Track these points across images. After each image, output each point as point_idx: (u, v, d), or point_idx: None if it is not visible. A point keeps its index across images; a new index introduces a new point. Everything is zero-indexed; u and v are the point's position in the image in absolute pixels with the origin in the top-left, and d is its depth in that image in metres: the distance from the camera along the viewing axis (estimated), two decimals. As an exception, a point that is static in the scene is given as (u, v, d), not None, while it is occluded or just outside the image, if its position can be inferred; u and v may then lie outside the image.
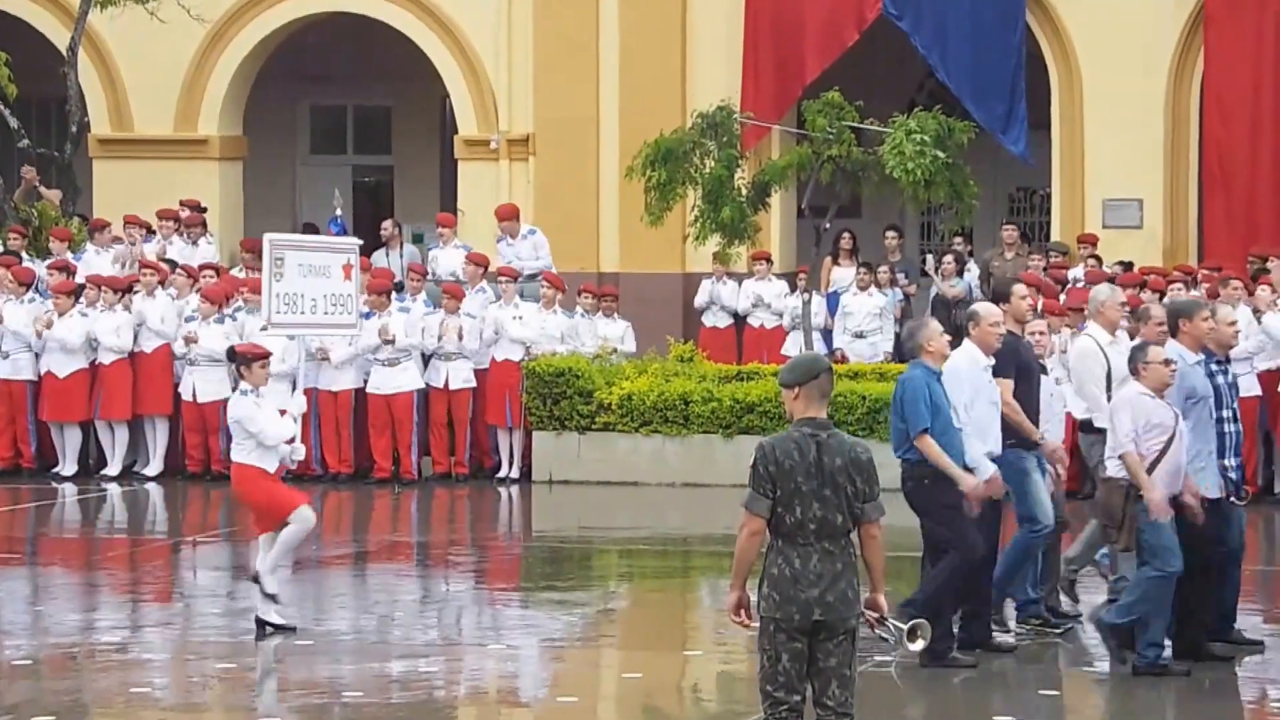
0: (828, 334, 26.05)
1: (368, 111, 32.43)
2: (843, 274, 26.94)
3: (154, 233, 26.41)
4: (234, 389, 16.50)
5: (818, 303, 25.69)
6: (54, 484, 23.79)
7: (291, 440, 15.67)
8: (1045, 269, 25.07)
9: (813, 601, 10.07)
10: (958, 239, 28.04)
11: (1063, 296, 23.45)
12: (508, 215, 25.83)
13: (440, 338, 23.76)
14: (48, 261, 25.43)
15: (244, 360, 15.66)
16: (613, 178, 28.16)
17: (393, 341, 23.51)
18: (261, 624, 15.65)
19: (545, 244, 25.65)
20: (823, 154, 24.16)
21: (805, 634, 10.11)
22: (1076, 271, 25.33)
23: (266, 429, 15.45)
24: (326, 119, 32.63)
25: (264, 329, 17.13)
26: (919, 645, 10.37)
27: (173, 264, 25.04)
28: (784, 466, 10.08)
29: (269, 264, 16.38)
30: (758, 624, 10.20)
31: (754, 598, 10.23)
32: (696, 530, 21.46)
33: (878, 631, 10.27)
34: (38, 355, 24.11)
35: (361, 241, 18.82)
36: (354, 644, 15.82)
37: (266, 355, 15.81)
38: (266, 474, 15.61)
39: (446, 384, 23.87)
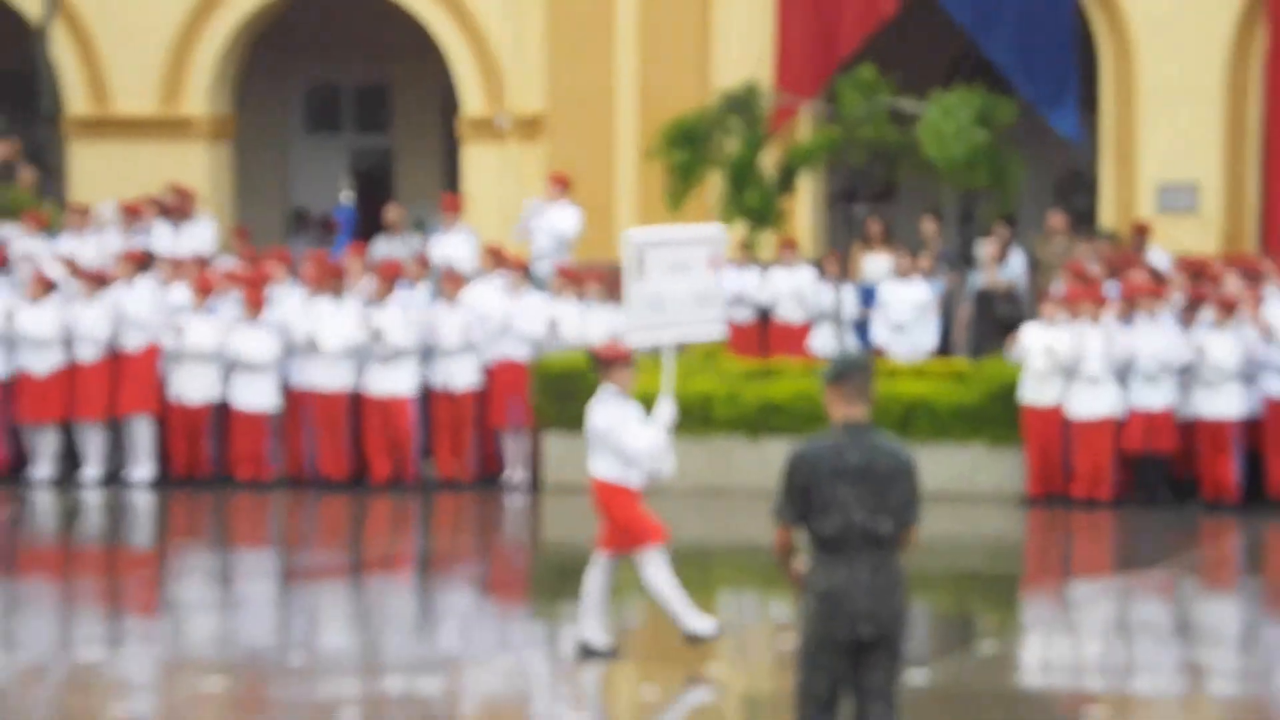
0: (859, 326, 26.12)
1: (366, 89, 32.52)
2: (875, 263, 27.00)
3: (139, 217, 26.54)
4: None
5: (849, 294, 25.82)
6: (24, 488, 23.94)
7: (657, 453, 15.28)
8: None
9: (859, 616, 10.26)
10: (1000, 225, 28.14)
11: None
12: (558, 182, 26.50)
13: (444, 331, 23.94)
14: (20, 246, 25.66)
15: (606, 363, 15.36)
16: (631, 159, 28.28)
17: (379, 335, 23.65)
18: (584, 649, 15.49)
19: (578, 216, 26.19)
20: (855, 135, 24.29)
21: (849, 652, 10.30)
22: (1157, 256, 25.44)
23: (630, 441, 15.17)
24: (321, 96, 32.73)
25: (627, 335, 16.32)
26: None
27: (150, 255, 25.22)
28: (820, 472, 10.25)
29: (632, 265, 15.92)
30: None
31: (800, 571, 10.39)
32: (717, 539, 21.59)
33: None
34: (11, 350, 24.31)
35: (726, 229, 18.46)
36: (350, 661, 16.01)
37: (630, 356, 15.43)
38: (631, 492, 15.33)
39: (449, 384, 24.05)
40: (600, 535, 15.55)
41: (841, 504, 10.21)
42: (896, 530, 10.28)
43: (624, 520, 15.35)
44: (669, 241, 16.42)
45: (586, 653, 15.52)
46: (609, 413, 15.24)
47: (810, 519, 10.26)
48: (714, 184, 25.06)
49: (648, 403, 15.67)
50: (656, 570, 15.46)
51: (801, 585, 10.38)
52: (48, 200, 27.40)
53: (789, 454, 10.37)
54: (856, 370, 10.42)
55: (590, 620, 15.54)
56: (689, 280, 16.10)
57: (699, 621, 15.46)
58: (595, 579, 15.52)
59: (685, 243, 16.44)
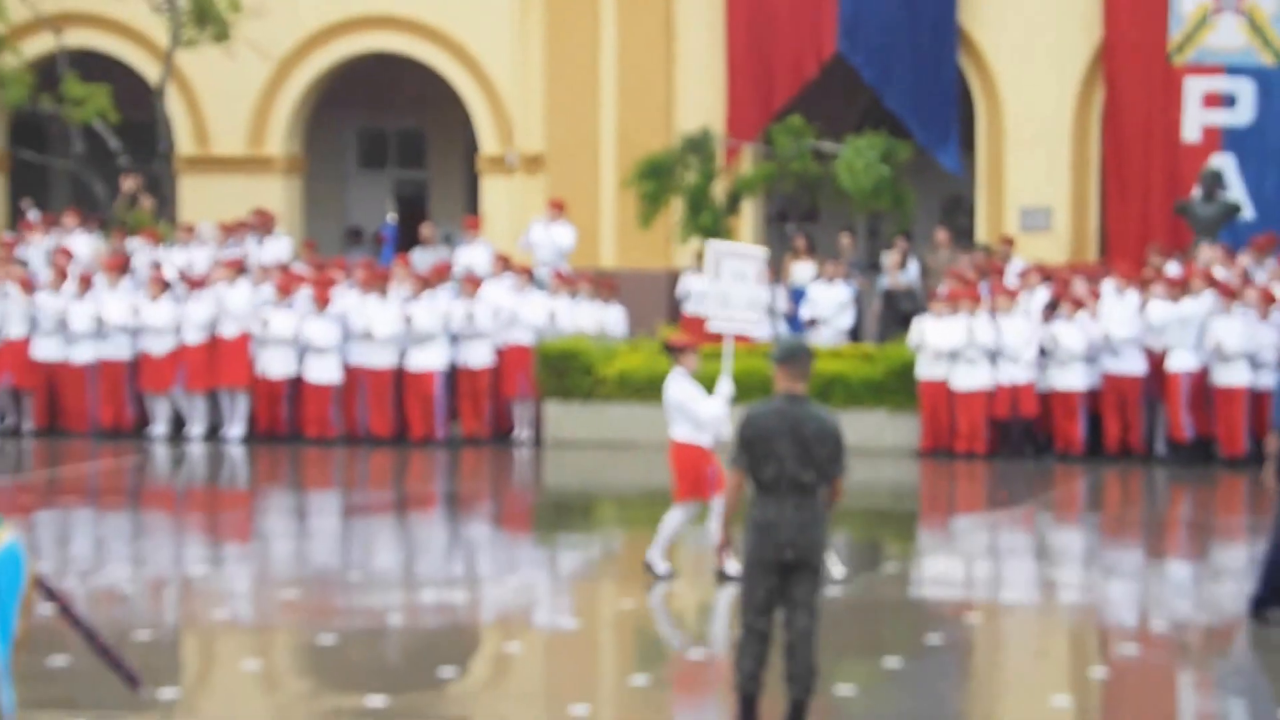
0: (791, 320, 26.17)
1: (406, 132, 32.47)
2: (802, 269, 27.06)
3: (233, 233, 26.50)
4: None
5: (782, 294, 25.89)
6: (146, 443, 23.99)
7: (721, 420, 14.95)
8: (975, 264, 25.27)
9: (785, 543, 10.35)
10: (900, 239, 28.22)
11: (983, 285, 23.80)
12: (556, 206, 26.59)
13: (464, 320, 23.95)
14: (143, 257, 25.65)
15: (677, 350, 15.16)
16: (610, 188, 28.29)
17: (409, 319, 23.65)
18: (720, 574, 14.99)
19: (572, 233, 26.23)
20: (787, 169, 24.31)
21: (777, 570, 10.40)
22: (1016, 264, 25.53)
23: (702, 410, 14.95)
24: (371, 139, 32.68)
25: (709, 320, 16.33)
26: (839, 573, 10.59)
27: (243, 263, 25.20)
28: (763, 430, 10.33)
29: (712, 267, 15.83)
30: (736, 562, 10.45)
31: (733, 538, 10.51)
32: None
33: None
34: (133, 335, 24.32)
35: (768, 250, 18.43)
36: (395, 578, 16.07)
37: (697, 345, 15.30)
38: (703, 451, 15.06)
39: (469, 362, 24.06)
40: (676, 488, 15.33)
41: (778, 456, 10.26)
42: (818, 480, 10.30)
43: (692, 476, 15.13)
44: (737, 253, 16.44)
45: (648, 571, 15.37)
46: (680, 388, 15.07)
47: (754, 467, 10.35)
48: (676, 208, 25.10)
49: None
50: (676, 517, 15.31)
51: (726, 535, 10.48)
52: (163, 221, 27.35)
53: (741, 416, 10.45)
54: (802, 353, 10.47)
55: (657, 550, 15.34)
56: (746, 287, 16.11)
57: (662, 563, 15.40)
58: (673, 520, 15.30)
59: (746, 256, 16.46)
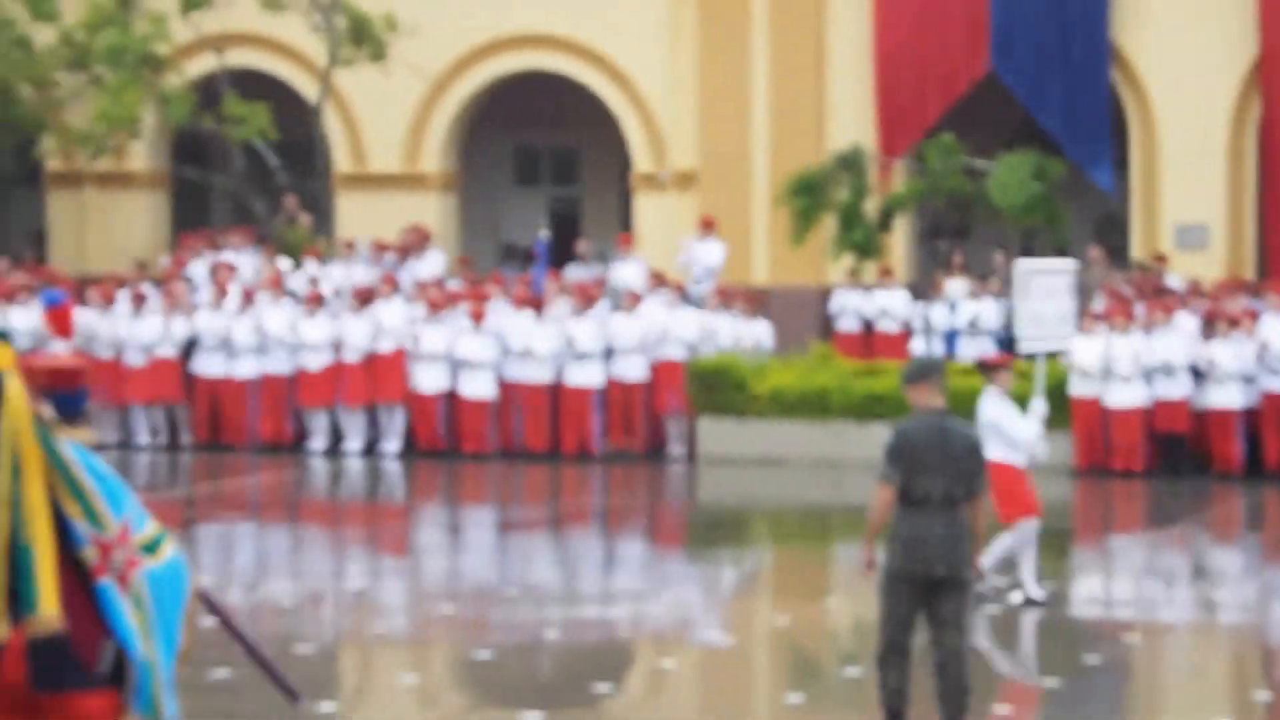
0: (947, 335, 25.94)
1: (560, 150, 32.55)
2: (955, 286, 26.84)
3: (387, 251, 26.64)
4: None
5: (936, 311, 25.69)
6: (306, 457, 24.13)
7: (1036, 440, 14.75)
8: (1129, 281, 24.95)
9: (935, 558, 10.23)
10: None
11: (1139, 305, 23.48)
12: (707, 223, 26.59)
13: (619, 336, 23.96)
14: (301, 274, 25.84)
15: (990, 368, 14.87)
16: (762, 205, 28.19)
17: (572, 342, 23.69)
18: (1026, 600, 14.83)
19: (723, 250, 26.21)
20: (939, 186, 24.14)
21: (922, 586, 10.27)
22: (1171, 281, 25.16)
23: (1017, 431, 14.68)
24: (525, 156, 32.78)
25: (1019, 348, 15.95)
26: (1017, 599, 10.50)
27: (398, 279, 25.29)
28: (917, 446, 10.24)
29: (1022, 287, 15.54)
30: (880, 576, 10.37)
31: (881, 555, 10.42)
32: (834, 501, 21.53)
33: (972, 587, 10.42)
34: (293, 351, 24.49)
35: (1076, 262, 18.16)
36: (551, 593, 16.04)
37: (1010, 363, 14.91)
38: (1017, 471, 14.76)
39: (623, 377, 24.05)
40: (999, 511, 14.77)
41: (929, 472, 10.19)
42: (965, 495, 10.24)
43: (1007, 496, 14.68)
44: (1046, 269, 16.10)
45: (1029, 603, 14.83)
46: (994, 408, 14.68)
47: (905, 483, 10.27)
48: (828, 224, 24.97)
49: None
50: (1019, 537, 14.80)
51: (871, 551, 10.35)
52: (321, 238, 27.54)
53: (893, 432, 10.37)
54: (934, 370, 10.43)
55: (1026, 575, 14.83)
56: (1057, 302, 15.78)
57: (1036, 588, 14.90)
58: (1007, 542, 14.79)
59: (1056, 271, 16.11)
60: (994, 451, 14.36)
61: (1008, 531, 14.85)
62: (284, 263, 26.08)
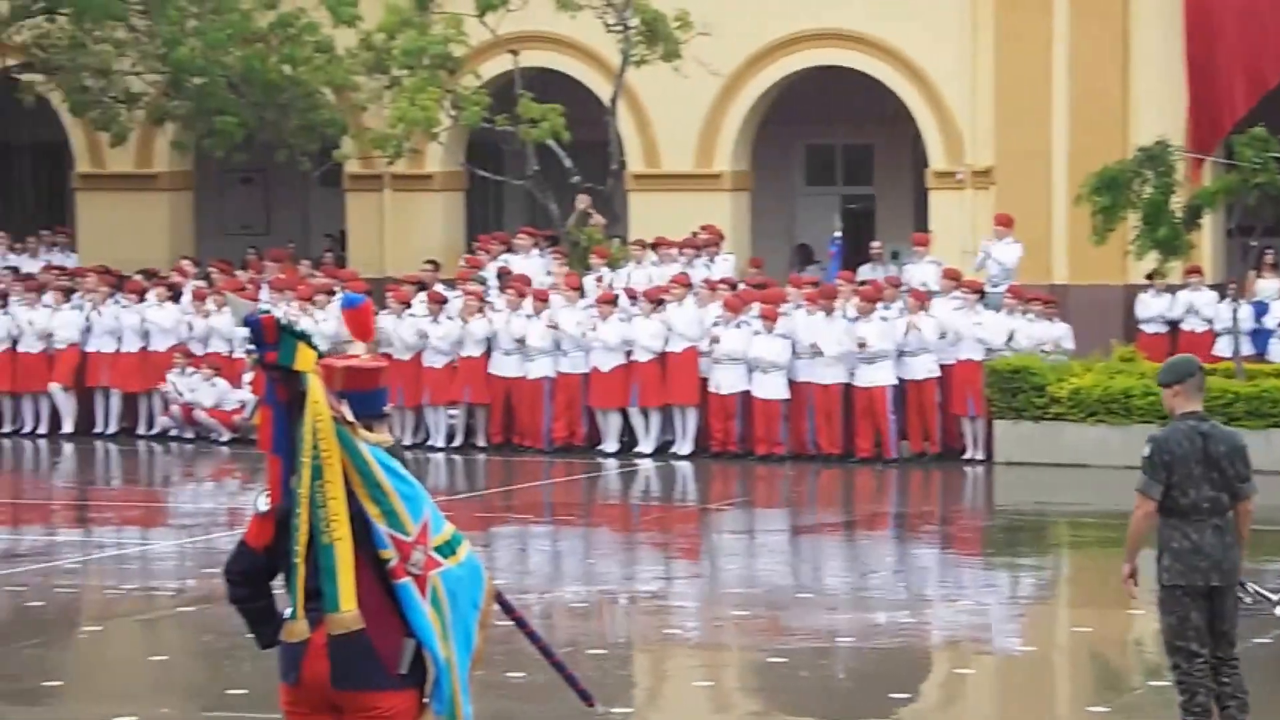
0: (1256, 336, 25.35)
1: (853, 148, 32.41)
2: (1267, 285, 26.25)
3: (682, 252, 26.73)
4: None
5: (1245, 310, 25.12)
6: (599, 459, 24.33)
7: None
8: None
9: (1210, 568, 10.02)
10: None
11: None
12: (1004, 222, 26.32)
13: (905, 334, 23.82)
14: (593, 275, 26.10)
15: None
16: (1062, 203, 27.79)
17: (863, 345, 23.59)
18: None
19: (1019, 250, 25.95)
20: (1250, 181, 23.62)
21: (1205, 597, 10.07)
22: None
23: None
24: (818, 155, 32.69)
25: None
26: None
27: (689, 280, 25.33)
28: (1178, 454, 10.01)
29: None
30: (1150, 590, 10.17)
31: (1137, 567, 10.21)
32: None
33: (1237, 594, 10.18)
34: (587, 352, 24.73)
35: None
36: (845, 598, 15.99)
37: None
38: None
39: (915, 377, 23.90)
40: None
41: (1194, 480, 9.97)
42: (1231, 500, 10.01)
43: None
44: None
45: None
46: None
47: (1170, 492, 10.03)
48: (1131, 222, 24.54)
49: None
50: None
51: (1134, 564, 10.12)
52: (614, 239, 27.73)
53: (1150, 442, 10.11)
54: (1191, 371, 10.16)
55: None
56: None
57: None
58: None
59: None
60: None
61: None
62: (578, 265, 26.31)
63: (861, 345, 23.50)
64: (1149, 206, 23.93)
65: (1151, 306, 26.37)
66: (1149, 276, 25.71)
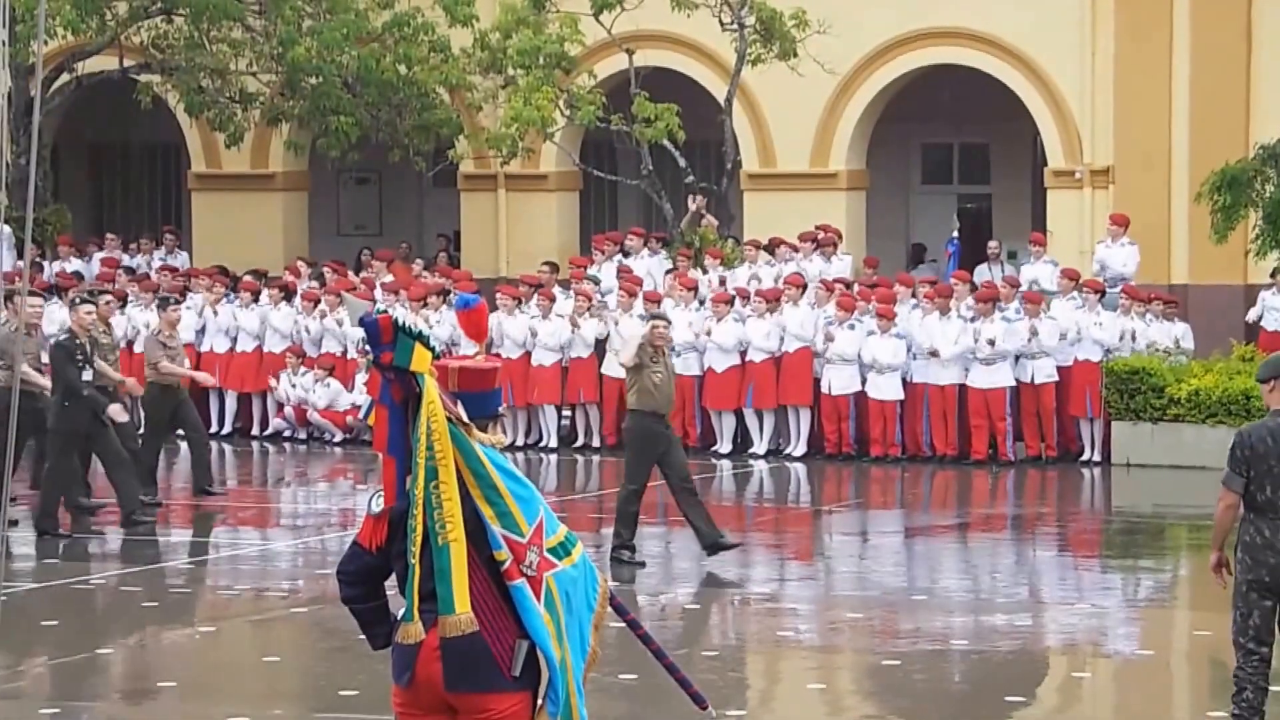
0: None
1: (969, 147, 32.30)
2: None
3: (797, 251, 26.70)
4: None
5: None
6: (712, 460, 24.35)
7: None
8: None
9: (1279, 566, 9.97)
10: None
11: None
12: (1119, 222, 26.18)
13: (1029, 338, 23.70)
14: (708, 276, 26.11)
15: None
16: (1182, 202, 27.61)
17: (993, 343, 23.54)
18: None
19: (1136, 253, 25.77)
20: (1378, 178, 23.34)
21: (1274, 593, 10.01)
22: None
23: None
24: (935, 154, 32.59)
25: None
26: None
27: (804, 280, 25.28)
28: (1258, 451, 9.98)
29: None
30: (1229, 583, 10.16)
31: (1227, 557, 10.19)
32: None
33: None
34: (701, 353, 24.74)
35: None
36: (961, 600, 15.95)
37: None
38: None
39: (1033, 379, 23.79)
40: None
41: (1273, 476, 9.92)
42: None
43: None
44: None
45: None
46: None
47: (1249, 487, 9.97)
48: (1250, 222, 24.33)
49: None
50: None
51: (1221, 554, 10.17)
52: (728, 239, 27.74)
53: (1237, 434, 10.12)
54: None
55: None
56: None
57: None
58: None
59: None
60: None
61: None
62: (694, 265, 26.34)
63: (991, 344, 23.40)
64: (1270, 205, 23.72)
65: (1272, 306, 26.11)
66: (1273, 275, 25.47)
